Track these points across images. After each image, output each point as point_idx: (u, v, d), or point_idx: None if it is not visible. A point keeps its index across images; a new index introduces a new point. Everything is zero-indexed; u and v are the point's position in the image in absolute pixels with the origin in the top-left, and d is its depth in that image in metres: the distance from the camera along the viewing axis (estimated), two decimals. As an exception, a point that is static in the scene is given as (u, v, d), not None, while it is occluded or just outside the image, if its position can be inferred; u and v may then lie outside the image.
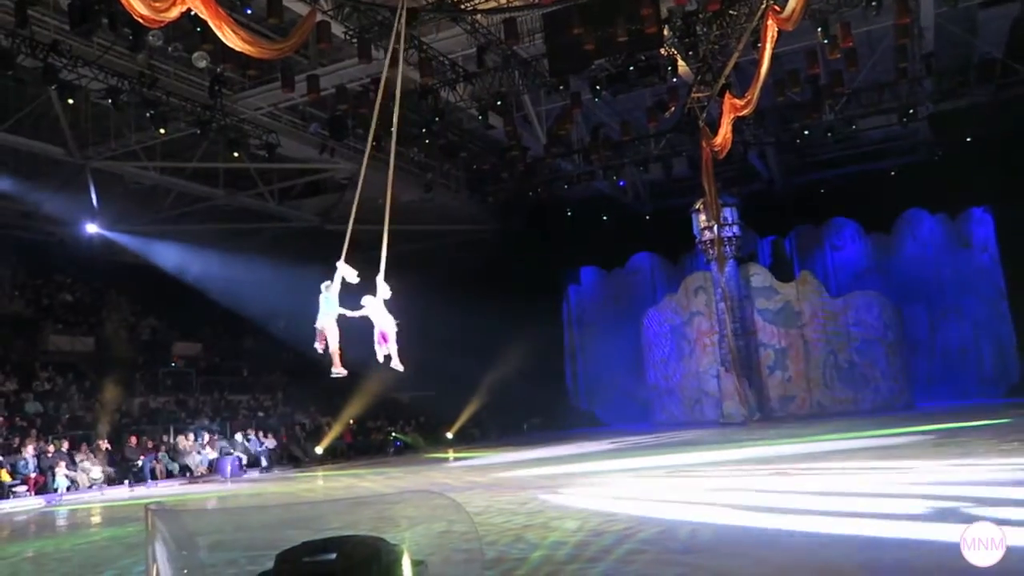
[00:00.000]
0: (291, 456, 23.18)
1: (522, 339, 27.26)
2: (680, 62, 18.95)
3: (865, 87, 22.44)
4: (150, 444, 20.33)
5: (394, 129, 9.56)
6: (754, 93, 15.62)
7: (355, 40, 16.77)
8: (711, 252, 26.96)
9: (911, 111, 22.46)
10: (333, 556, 3.25)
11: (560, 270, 33.26)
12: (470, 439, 27.56)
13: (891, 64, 20.73)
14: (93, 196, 23.20)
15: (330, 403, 25.78)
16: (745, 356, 26.69)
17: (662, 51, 18.35)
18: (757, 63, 15.11)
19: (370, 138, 9.81)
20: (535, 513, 9.86)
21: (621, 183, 28.58)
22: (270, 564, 3.60)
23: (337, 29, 16.74)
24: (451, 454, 23.47)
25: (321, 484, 17.59)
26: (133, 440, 20.21)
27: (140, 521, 8.73)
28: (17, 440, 18.29)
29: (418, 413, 28.61)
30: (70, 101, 18.02)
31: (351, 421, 25.65)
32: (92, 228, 25.84)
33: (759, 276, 27.68)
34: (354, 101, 19.55)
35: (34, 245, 25.79)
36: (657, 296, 31.18)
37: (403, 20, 10.20)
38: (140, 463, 19.43)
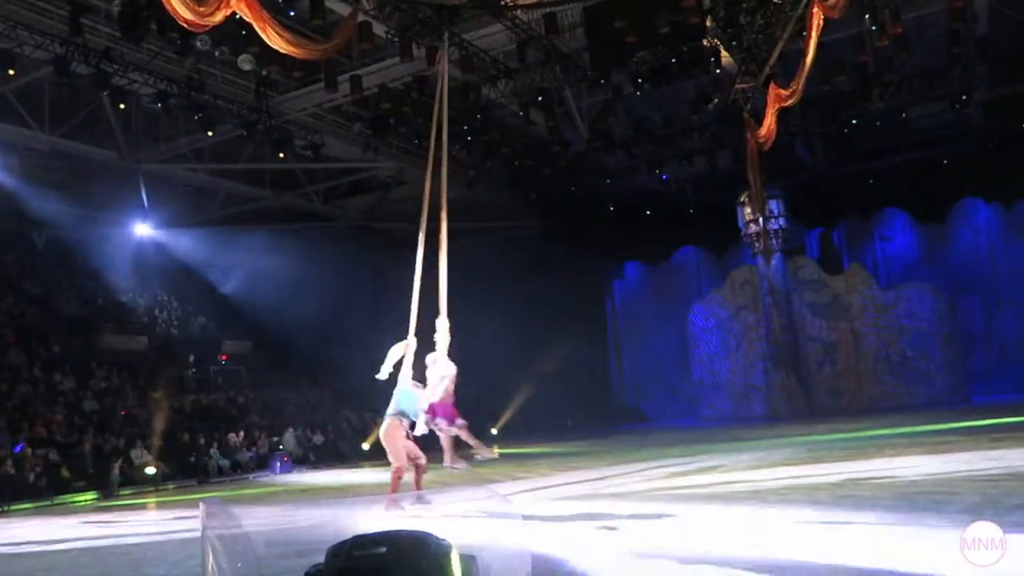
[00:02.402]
0: (338, 452, 23.46)
1: (566, 335, 27.18)
2: (724, 53, 18.66)
3: (915, 74, 21.87)
4: (202, 440, 20.76)
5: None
6: (800, 83, 15.38)
7: (396, 39, 16.89)
8: (757, 245, 26.61)
9: (964, 98, 21.84)
10: (383, 550, 3.27)
11: (604, 265, 33.08)
12: (515, 435, 27.56)
13: (943, 50, 20.17)
14: (144, 198, 23.84)
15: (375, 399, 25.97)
16: (793, 351, 26.28)
17: (705, 42, 18.10)
18: (803, 52, 14.85)
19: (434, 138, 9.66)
20: (584, 512, 9.83)
21: (664, 177, 28.31)
22: (320, 558, 3.63)
23: (378, 29, 16.85)
24: (496, 450, 23.46)
25: (368, 479, 17.76)
26: (185, 437, 20.68)
27: (193, 516, 8.92)
28: (76, 437, 18.89)
29: (462, 409, 28.64)
30: (122, 106, 18.49)
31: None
32: (143, 230, 26.66)
33: (807, 269, 27.23)
34: (397, 100, 19.69)
35: (89, 247, 26.51)
36: (702, 291, 30.84)
37: None
38: (192, 459, 19.91)
